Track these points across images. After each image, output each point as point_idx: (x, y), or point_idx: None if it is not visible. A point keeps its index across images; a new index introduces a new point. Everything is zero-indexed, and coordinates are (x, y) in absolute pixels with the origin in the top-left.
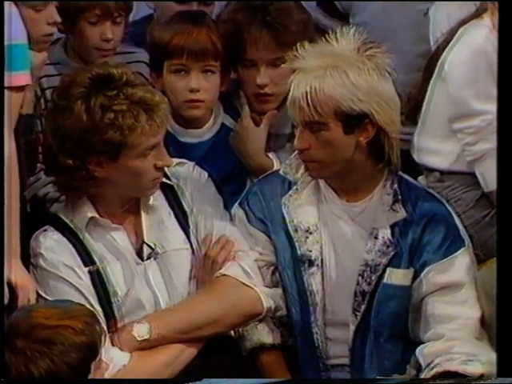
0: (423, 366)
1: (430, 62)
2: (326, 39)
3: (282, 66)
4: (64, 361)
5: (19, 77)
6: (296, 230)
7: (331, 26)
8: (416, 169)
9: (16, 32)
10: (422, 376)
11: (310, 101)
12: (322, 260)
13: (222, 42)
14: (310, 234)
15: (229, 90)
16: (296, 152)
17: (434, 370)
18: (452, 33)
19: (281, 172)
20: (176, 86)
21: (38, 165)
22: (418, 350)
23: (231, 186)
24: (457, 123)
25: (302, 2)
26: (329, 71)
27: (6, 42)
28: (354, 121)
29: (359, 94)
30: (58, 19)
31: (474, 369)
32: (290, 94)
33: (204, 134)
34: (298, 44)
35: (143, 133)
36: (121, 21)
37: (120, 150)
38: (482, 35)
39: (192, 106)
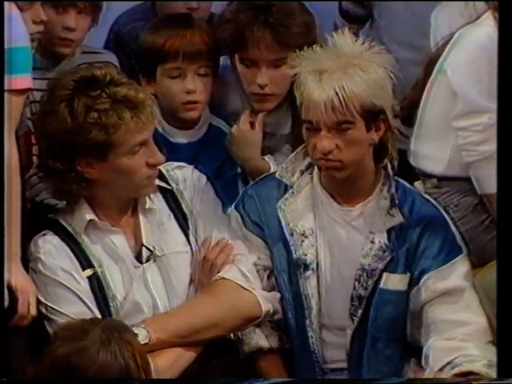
0: (435, 360)
1: (428, 65)
2: (332, 41)
3: (290, 69)
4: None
5: (21, 80)
6: (292, 234)
7: (357, 11)
8: (413, 174)
9: (19, 34)
10: (443, 375)
11: (342, 100)
12: (317, 264)
13: (214, 43)
14: (306, 237)
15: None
16: (293, 155)
17: (456, 368)
18: (452, 36)
19: (277, 175)
20: (172, 89)
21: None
22: (426, 346)
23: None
24: (462, 120)
25: (306, 4)
26: (352, 70)
27: (8, 45)
28: (373, 117)
29: (378, 90)
30: (44, 18)
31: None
32: (310, 96)
33: (194, 134)
34: (306, 47)
35: (128, 130)
36: (87, 12)
37: (107, 149)
38: (485, 33)
39: (190, 108)
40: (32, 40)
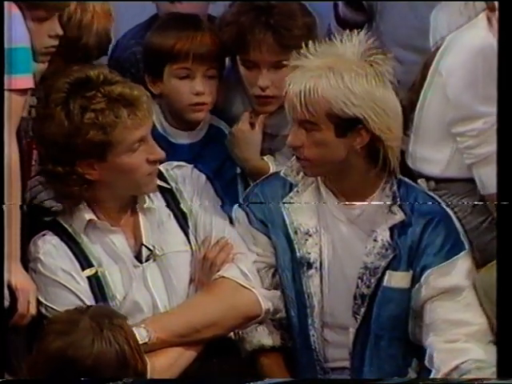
0: (441, 363)
1: (424, 67)
2: (332, 40)
3: (285, 63)
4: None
5: (21, 80)
6: (296, 233)
7: (356, 19)
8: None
9: (19, 35)
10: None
11: (302, 100)
12: (320, 262)
13: (222, 45)
14: (310, 236)
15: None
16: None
17: (465, 376)
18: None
19: (281, 174)
20: (180, 90)
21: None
22: (429, 346)
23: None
24: (458, 127)
25: (307, 5)
26: (325, 72)
27: (8, 45)
28: (346, 124)
29: (353, 99)
30: (60, 32)
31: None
32: (287, 91)
33: (195, 135)
34: (303, 43)
35: (125, 128)
36: None
37: (106, 148)
38: (480, 36)
39: (197, 110)
40: (46, 54)
